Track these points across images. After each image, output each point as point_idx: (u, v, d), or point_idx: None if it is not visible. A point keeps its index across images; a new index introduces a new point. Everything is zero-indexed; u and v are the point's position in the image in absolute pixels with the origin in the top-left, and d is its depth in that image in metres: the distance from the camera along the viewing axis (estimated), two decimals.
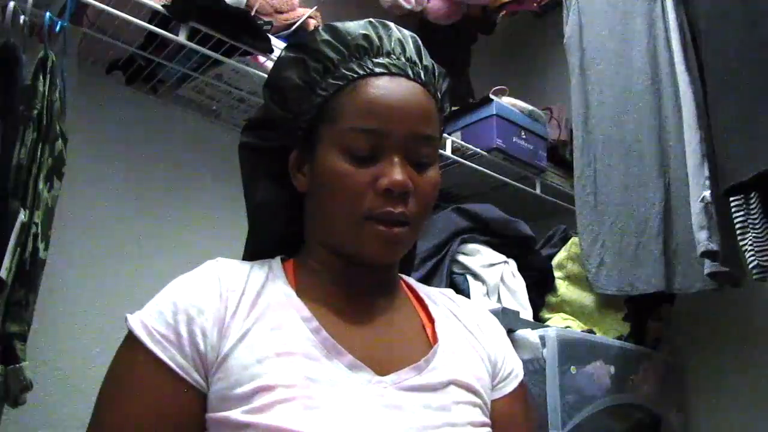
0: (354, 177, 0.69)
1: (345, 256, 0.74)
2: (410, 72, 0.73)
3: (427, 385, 0.70)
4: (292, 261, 0.79)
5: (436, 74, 0.77)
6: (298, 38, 0.78)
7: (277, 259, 0.78)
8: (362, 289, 0.76)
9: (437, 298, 0.84)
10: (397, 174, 0.69)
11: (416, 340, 0.75)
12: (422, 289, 0.85)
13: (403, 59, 0.74)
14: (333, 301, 0.74)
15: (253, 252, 0.82)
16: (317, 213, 0.76)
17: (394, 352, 0.72)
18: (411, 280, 0.86)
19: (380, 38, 0.74)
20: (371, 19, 0.76)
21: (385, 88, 0.71)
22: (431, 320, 0.78)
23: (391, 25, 0.77)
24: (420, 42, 0.77)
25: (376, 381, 0.67)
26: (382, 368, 0.69)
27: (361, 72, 0.72)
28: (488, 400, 0.76)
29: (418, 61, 0.75)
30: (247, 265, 0.75)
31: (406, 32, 0.77)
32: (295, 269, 0.77)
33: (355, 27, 0.74)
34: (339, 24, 0.75)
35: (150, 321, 0.67)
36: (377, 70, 0.72)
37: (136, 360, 0.66)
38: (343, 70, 0.72)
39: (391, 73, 0.72)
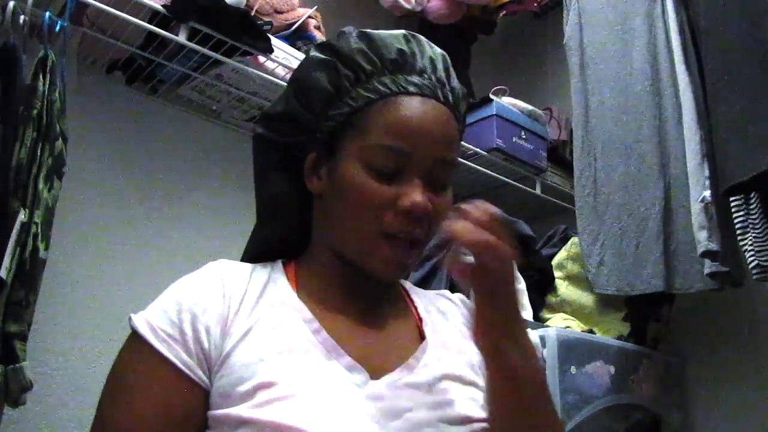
0: (376, 193, 0.69)
1: (353, 267, 0.74)
2: (440, 94, 0.73)
3: (421, 383, 0.70)
4: (294, 263, 0.79)
5: (460, 95, 0.77)
6: (331, 40, 0.77)
7: (278, 262, 0.79)
8: (362, 293, 0.77)
9: (432, 298, 0.85)
10: (419, 195, 0.69)
11: (410, 341, 0.76)
12: (417, 292, 0.85)
13: (434, 79, 0.74)
14: (333, 303, 0.74)
15: (257, 245, 0.82)
16: (332, 220, 0.75)
17: (390, 353, 0.72)
18: (406, 283, 0.87)
19: (413, 55, 0.74)
20: (405, 32, 0.76)
21: (417, 108, 0.71)
22: (421, 319, 0.79)
23: (423, 40, 0.77)
24: (449, 61, 0.78)
25: (372, 383, 0.68)
26: (378, 370, 0.69)
27: (395, 89, 0.71)
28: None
29: (446, 82, 0.75)
30: (249, 266, 0.76)
31: (438, 50, 0.78)
32: (297, 271, 0.78)
33: (390, 39, 0.74)
34: (374, 33, 0.74)
35: (155, 320, 0.67)
36: (410, 89, 0.72)
37: (141, 358, 0.66)
38: (376, 84, 0.72)
39: (422, 94, 0.72)
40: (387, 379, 0.69)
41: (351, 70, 0.73)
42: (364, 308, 0.76)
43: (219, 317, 0.68)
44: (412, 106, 0.71)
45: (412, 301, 0.83)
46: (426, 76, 0.73)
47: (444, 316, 0.82)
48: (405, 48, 0.74)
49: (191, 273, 0.73)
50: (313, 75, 0.74)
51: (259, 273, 0.75)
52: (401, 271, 0.73)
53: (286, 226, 0.82)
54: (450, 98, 0.74)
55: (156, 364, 0.65)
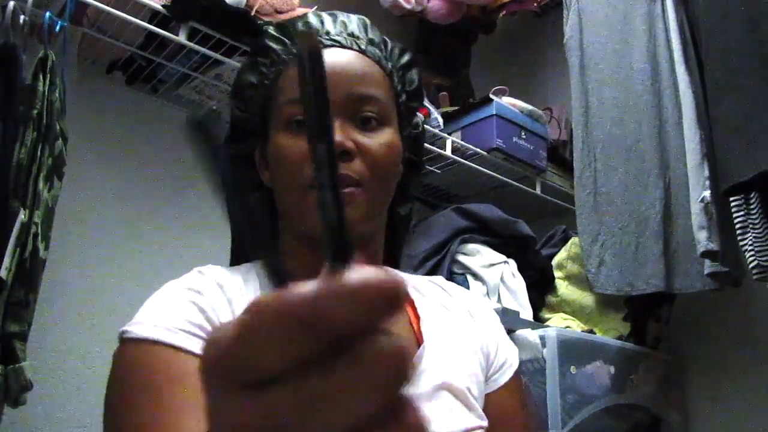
0: (293, 147, 0.68)
1: (304, 238, 0.71)
2: (345, 42, 0.73)
3: (418, 395, 0.66)
4: None
5: (389, 48, 0.76)
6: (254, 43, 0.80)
7: (257, 263, 0.75)
8: None
9: (426, 289, 0.80)
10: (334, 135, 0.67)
11: (403, 341, 0.73)
12: (409, 280, 0.80)
13: (344, 35, 0.73)
14: None
15: (239, 257, 0.80)
16: (277, 199, 0.74)
17: None
18: (397, 272, 0.81)
19: (321, 23, 0.75)
20: (319, 12, 0.77)
21: None
22: (418, 317, 0.75)
23: (339, 13, 0.77)
24: (368, 23, 0.77)
25: None
26: None
27: (296, 51, 0.71)
28: (482, 395, 0.74)
29: (361, 36, 0.74)
30: (238, 273, 0.72)
31: (354, 16, 0.77)
32: None
33: (299, 18, 0.76)
34: (287, 20, 0.77)
35: (165, 322, 0.60)
36: None
37: (164, 362, 0.58)
38: (284, 57, 0.73)
39: (324, 47, 0.71)
40: None
41: (266, 57, 0.74)
42: None
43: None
44: None
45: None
46: (332, 34, 0.73)
47: (443, 313, 0.77)
48: (311, 20, 0.75)
49: (180, 279, 0.68)
50: (242, 78, 0.76)
51: (249, 278, 0.71)
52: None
53: (257, 238, 0.79)
54: (360, 44, 0.73)
55: (187, 363, 0.57)
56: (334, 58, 0.71)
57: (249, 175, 0.79)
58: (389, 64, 0.75)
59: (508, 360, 0.79)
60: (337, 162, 0.29)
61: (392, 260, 0.85)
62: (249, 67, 0.76)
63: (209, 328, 0.60)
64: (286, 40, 0.74)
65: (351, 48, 0.72)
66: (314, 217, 0.64)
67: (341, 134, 0.67)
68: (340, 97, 0.69)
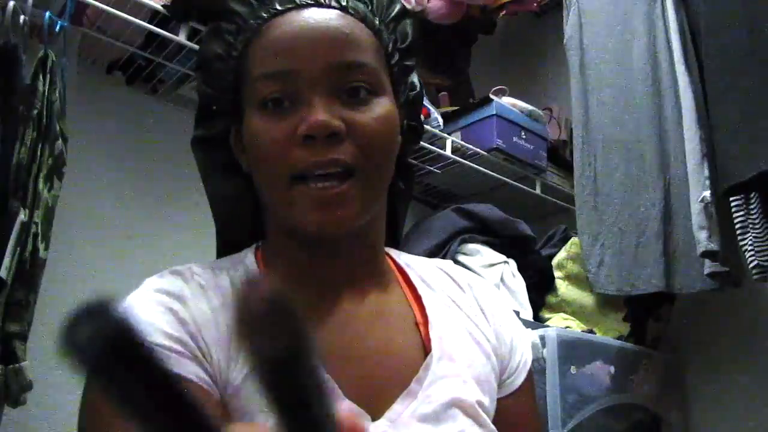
0: (272, 132, 0.59)
1: (289, 231, 0.64)
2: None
3: (427, 414, 0.60)
4: (261, 256, 0.68)
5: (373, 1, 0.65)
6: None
7: (250, 256, 0.67)
8: (337, 285, 0.65)
9: (434, 279, 0.71)
10: (319, 113, 0.57)
11: (409, 348, 0.64)
12: (415, 268, 0.71)
13: None
14: (313, 313, 0.62)
15: (224, 251, 0.74)
16: (259, 189, 0.65)
17: (387, 374, 0.61)
18: (400, 256, 0.73)
19: None
20: None
21: (290, 22, 0.60)
22: (425, 315, 0.66)
23: None
24: None
25: (373, 425, 0.58)
26: (377, 402, 0.59)
27: (266, 15, 0.62)
28: (494, 403, 0.67)
29: None
30: (223, 270, 0.64)
31: None
32: (266, 267, 0.66)
33: None
34: None
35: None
36: (281, 7, 0.61)
37: None
38: (251, 22, 0.63)
39: (297, 6, 0.61)
40: (389, 415, 0.59)
41: (231, 23, 0.65)
42: (346, 309, 0.64)
43: (218, 338, 0.57)
44: (285, 22, 0.61)
45: (409, 282, 0.69)
46: None
47: (453, 311, 0.69)
48: None
49: (161, 278, 0.61)
50: (207, 49, 0.67)
51: (236, 275, 0.63)
52: (333, 216, 0.58)
53: (243, 225, 0.72)
54: (340, 1, 0.62)
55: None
56: (309, 19, 0.60)
57: (225, 159, 0.69)
58: (376, 20, 0.65)
59: (524, 357, 0.71)
60: None
61: (393, 240, 0.75)
62: (213, 35, 0.66)
63: (190, 342, 0.55)
64: (253, 1, 0.63)
65: (329, 6, 0.62)
66: (298, 212, 0.59)
67: (325, 113, 0.57)
68: (320, 67, 0.59)
